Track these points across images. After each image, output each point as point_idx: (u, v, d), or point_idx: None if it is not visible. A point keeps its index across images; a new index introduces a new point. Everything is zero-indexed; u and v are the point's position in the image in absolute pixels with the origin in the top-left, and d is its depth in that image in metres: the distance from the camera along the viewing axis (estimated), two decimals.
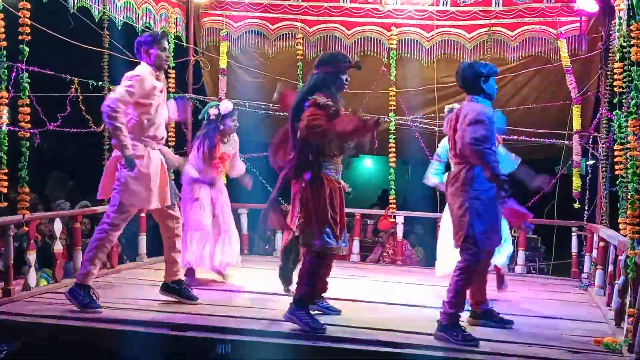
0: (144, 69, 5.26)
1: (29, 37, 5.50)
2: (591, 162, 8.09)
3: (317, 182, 4.75)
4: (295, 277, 5.14)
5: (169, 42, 5.42)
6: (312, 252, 4.81)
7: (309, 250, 4.84)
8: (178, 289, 5.55)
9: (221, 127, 6.34)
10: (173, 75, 7.99)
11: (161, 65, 5.33)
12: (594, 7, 7.34)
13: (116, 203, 5.20)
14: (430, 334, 4.78)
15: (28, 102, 5.54)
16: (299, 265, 5.10)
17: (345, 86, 4.92)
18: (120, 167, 5.16)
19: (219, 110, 6.35)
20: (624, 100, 5.56)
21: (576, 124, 7.76)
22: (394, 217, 8.36)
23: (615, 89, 5.91)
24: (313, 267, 4.84)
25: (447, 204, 5.21)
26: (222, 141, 6.40)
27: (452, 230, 4.94)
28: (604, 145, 7.40)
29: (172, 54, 7.86)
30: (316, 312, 5.16)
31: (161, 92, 5.32)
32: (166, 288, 5.57)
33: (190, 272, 6.40)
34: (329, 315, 5.26)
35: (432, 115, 8.22)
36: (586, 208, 7.66)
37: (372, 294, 6.30)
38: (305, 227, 4.80)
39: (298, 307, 4.80)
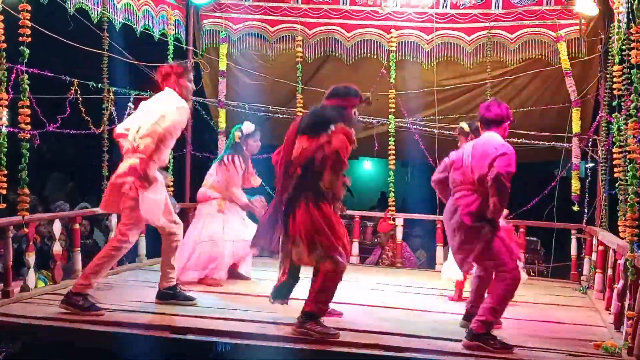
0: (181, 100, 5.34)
1: (29, 39, 5.50)
2: (590, 164, 8.08)
3: (325, 200, 4.79)
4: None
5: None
6: (328, 270, 4.74)
7: (324, 267, 4.76)
8: (172, 294, 5.58)
9: (244, 147, 6.66)
10: None
11: (187, 97, 5.39)
12: (593, 10, 7.35)
13: (132, 221, 5.22)
14: (430, 337, 4.79)
15: (28, 104, 5.55)
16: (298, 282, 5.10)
17: (356, 121, 5.00)
18: (138, 187, 5.14)
19: (241, 132, 6.66)
20: (623, 103, 5.56)
21: (575, 127, 7.77)
22: (393, 219, 8.36)
23: (615, 92, 5.91)
24: (330, 284, 4.78)
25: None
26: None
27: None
28: (603, 148, 7.41)
29: (172, 55, 7.90)
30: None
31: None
32: (161, 295, 5.60)
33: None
34: (331, 317, 5.23)
35: (432, 117, 8.23)
36: (585, 211, 7.66)
37: (372, 296, 6.30)
38: (319, 245, 4.75)
39: (307, 320, 4.77)
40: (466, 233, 4.81)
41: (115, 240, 5.28)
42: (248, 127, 6.70)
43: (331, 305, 5.30)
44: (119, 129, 5.43)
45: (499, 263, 4.77)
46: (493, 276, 4.95)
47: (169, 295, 5.57)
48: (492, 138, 4.86)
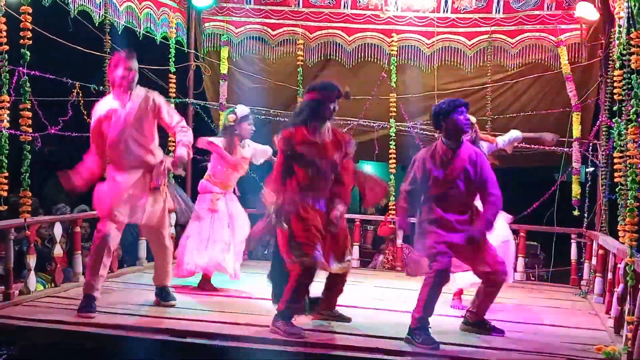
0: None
1: (31, 42, 5.51)
2: (591, 169, 8.08)
3: (287, 203, 4.86)
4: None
5: (134, 62, 5.37)
6: (299, 269, 4.83)
7: (295, 266, 4.87)
8: (159, 294, 5.73)
9: (237, 130, 6.38)
10: (174, 80, 8.03)
11: (120, 84, 5.33)
12: (594, 15, 7.37)
13: (100, 213, 5.40)
14: None
15: (29, 106, 5.56)
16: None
17: (333, 115, 5.02)
18: None
19: (236, 115, 6.40)
20: (623, 108, 5.57)
21: (576, 131, 7.77)
22: (394, 223, 8.35)
23: (615, 97, 5.92)
24: (295, 282, 4.86)
25: None
26: (240, 145, 6.45)
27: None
28: (603, 153, 7.41)
29: (173, 59, 7.94)
30: (326, 319, 5.23)
31: (115, 111, 5.30)
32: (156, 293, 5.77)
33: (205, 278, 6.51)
34: (337, 322, 5.26)
35: None
36: (585, 215, 7.65)
37: (372, 300, 6.30)
38: (280, 244, 4.93)
39: (278, 319, 4.87)
40: None
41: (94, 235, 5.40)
42: (243, 109, 6.44)
43: (338, 310, 5.36)
44: None
45: None
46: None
47: (157, 294, 5.73)
48: None
